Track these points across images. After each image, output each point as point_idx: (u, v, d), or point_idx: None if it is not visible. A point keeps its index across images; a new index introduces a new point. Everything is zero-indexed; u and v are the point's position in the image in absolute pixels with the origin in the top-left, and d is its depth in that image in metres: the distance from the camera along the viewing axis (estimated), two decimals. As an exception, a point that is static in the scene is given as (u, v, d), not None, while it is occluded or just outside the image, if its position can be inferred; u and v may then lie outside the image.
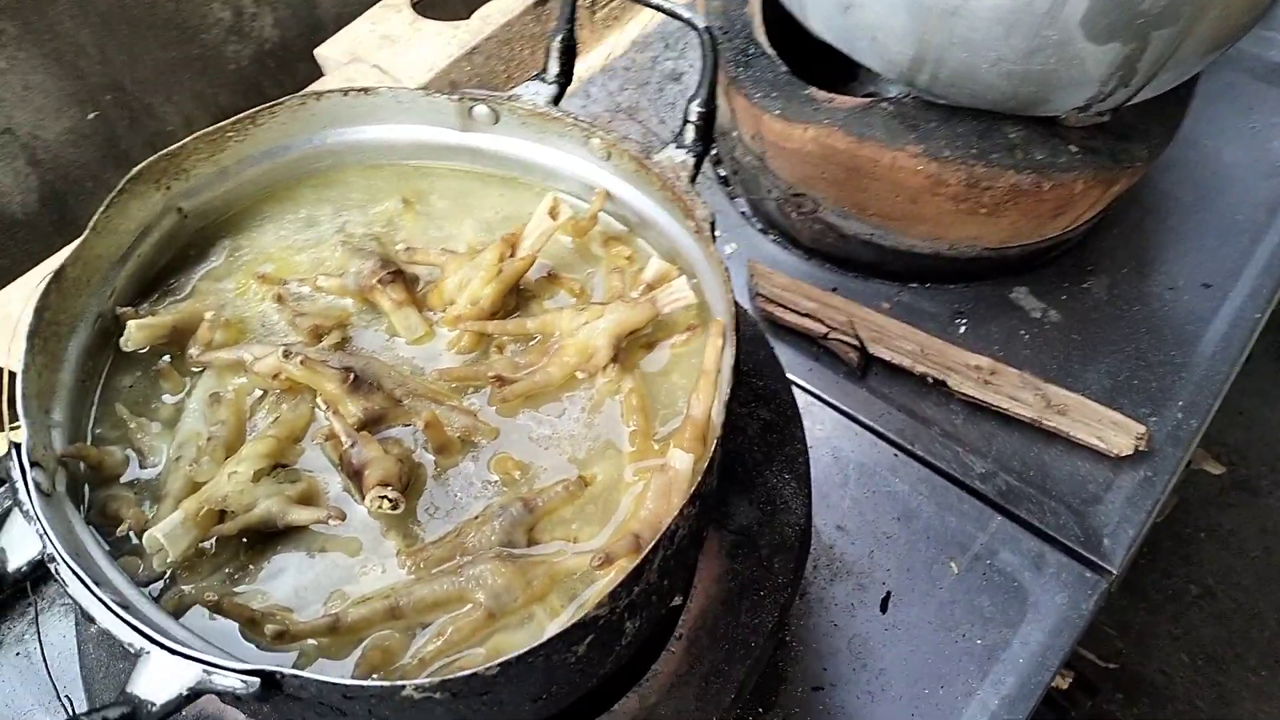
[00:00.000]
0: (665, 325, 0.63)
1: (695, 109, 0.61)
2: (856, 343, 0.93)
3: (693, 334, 0.62)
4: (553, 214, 0.63)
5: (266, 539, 0.55)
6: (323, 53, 1.19)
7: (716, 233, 0.59)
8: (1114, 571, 0.82)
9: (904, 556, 0.83)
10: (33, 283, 0.96)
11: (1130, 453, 0.86)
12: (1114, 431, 0.86)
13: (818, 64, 0.97)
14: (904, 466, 0.88)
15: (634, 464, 0.58)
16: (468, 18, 1.17)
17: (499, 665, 0.44)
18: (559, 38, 0.65)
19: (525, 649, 0.45)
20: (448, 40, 1.12)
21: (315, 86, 1.14)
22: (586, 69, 1.25)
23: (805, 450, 0.69)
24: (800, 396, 0.92)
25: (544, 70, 0.66)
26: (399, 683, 0.43)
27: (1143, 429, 0.86)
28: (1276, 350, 2.12)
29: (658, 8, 0.60)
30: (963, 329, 0.98)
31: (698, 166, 0.62)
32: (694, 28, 0.59)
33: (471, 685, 0.45)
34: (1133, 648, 1.83)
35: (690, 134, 0.62)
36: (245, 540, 0.55)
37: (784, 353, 0.95)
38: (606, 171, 0.65)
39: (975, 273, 1.00)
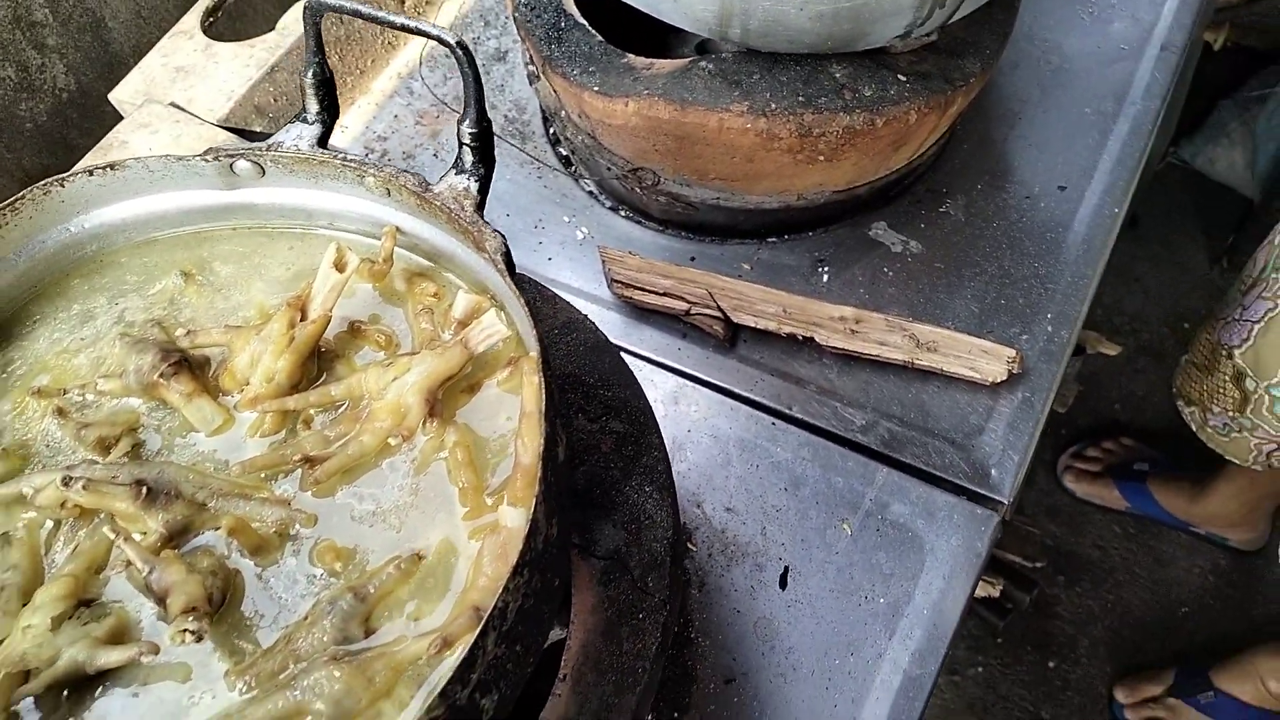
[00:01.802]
0: (486, 362, 0.59)
1: (466, 130, 0.56)
2: (719, 314, 0.89)
3: (515, 367, 0.58)
4: (339, 266, 0.58)
5: (86, 683, 0.50)
6: (117, 96, 1.10)
7: (513, 261, 0.55)
8: (1004, 502, 0.81)
9: (796, 527, 0.81)
10: None
11: (1004, 378, 0.84)
12: (985, 360, 0.85)
13: (644, 25, 0.91)
14: (784, 434, 0.86)
15: (469, 524, 0.54)
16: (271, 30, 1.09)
17: (330, 799, 0.41)
18: (310, 73, 0.59)
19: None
20: (245, 62, 1.05)
21: (113, 134, 1.06)
22: (406, 64, 1.18)
23: (665, 456, 0.66)
24: (671, 380, 0.89)
25: (304, 110, 0.60)
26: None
27: (1012, 352, 0.85)
28: (1163, 214, 2.15)
29: (403, 28, 0.55)
30: (826, 277, 0.95)
31: (483, 191, 0.57)
32: (446, 44, 0.54)
33: (304, 825, 0.41)
34: (1064, 529, 1.86)
35: (469, 156, 0.57)
36: (65, 692, 0.50)
37: (650, 335, 0.92)
38: (392, 208, 0.61)
39: (830, 217, 0.97)
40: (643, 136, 0.87)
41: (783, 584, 0.79)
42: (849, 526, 0.81)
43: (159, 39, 1.14)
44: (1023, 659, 1.78)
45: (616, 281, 0.92)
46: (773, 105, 0.82)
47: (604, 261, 0.94)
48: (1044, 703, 1.74)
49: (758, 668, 0.76)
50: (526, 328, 0.54)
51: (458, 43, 0.54)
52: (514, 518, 0.51)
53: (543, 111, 1.09)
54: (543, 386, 0.50)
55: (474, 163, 0.57)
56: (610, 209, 1.02)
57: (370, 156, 1.09)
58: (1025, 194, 0.99)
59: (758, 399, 0.88)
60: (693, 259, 0.97)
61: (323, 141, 0.60)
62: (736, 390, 0.89)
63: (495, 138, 0.58)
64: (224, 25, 1.17)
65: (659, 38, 1.08)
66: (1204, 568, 1.84)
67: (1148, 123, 1.01)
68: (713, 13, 0.79)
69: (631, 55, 0.89)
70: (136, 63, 1.13)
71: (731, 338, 0.91)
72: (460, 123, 0.56)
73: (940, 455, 0.84)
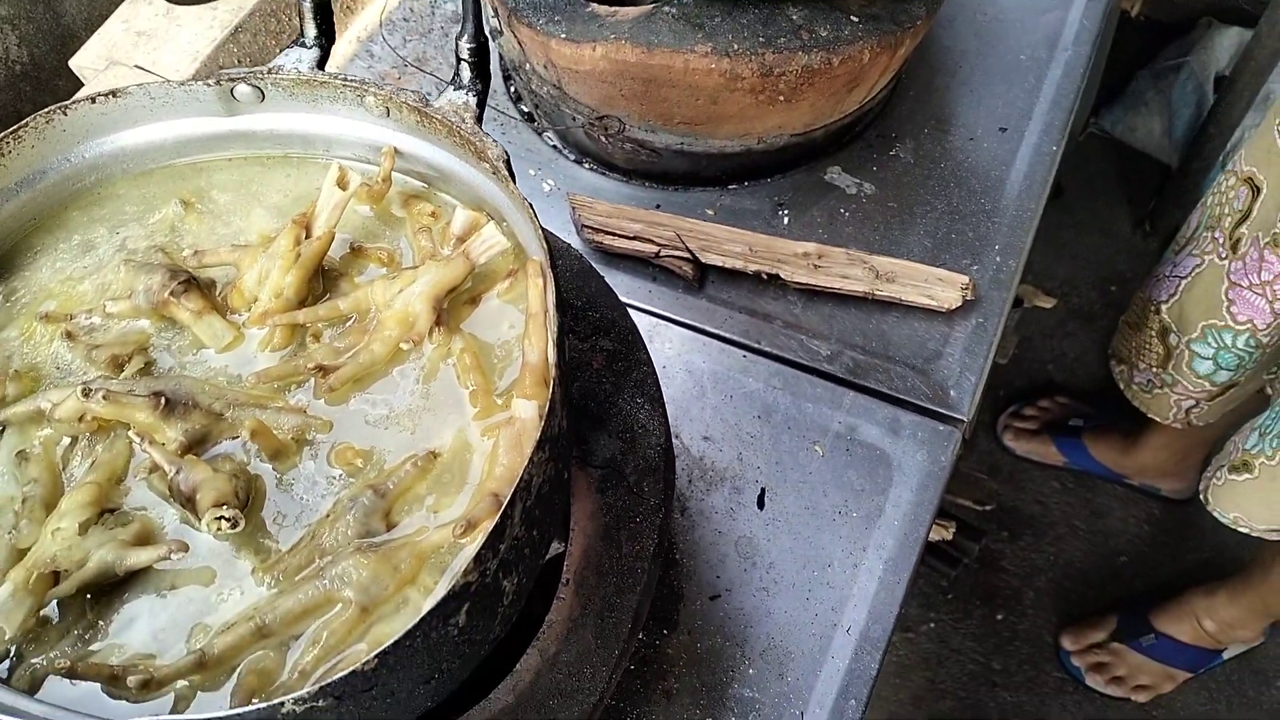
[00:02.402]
0: (485, 276, 0.61)
1: (465, 45, 0.59)
2: (688, 255, 0.93)
3: (514, 279, 0.61)
4: (341, 184, 0.60)
5: (112, 590, 0.52)
6: (77, 62, 1.10)
7: (513, 170, 0.58)
8: (964, 419, 0.86)
9: (770, 451, 0.85)
10: None
11: (959, 304, 0.89)
12: (941, 287, 0.90)
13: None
14: (754, 365, 0.90)
15: (480, 424, 0.56)
16: (226, -4, 1.10)
17: (376, 657, 0.43)
18: (307, -1, 0.61)
19: (400, 634, 0.44)
20: (208, 24, 1.05)
21: (80, 95, 1.05)
22: (365, 28, 1.20)
23: (653, 371, 0.69)
24: (644, 320, 0.92)
25: (301, 35, 0.62)
26: (276, 701, 0.42)
27: (966, 279, 0.90)
28: (1087, 183, 2.24)
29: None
30: (786, 220, 0.99)
31: (481, 105, 0.60)
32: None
33: (352, 684, 0.43)
34: (1005, 486, 1.94)
35: (466, 72, 0.60)
36: (89, 596, 0.52)
37: (621, 280, 0.95)
38: (390, 129, 0.63)
39: (788, 161, 1.02)
40: (609, 81, 0.90)
41: (760, 504, 0.83)
42: (820, 448, 0.85)
43: (112, 11, 1.14)
44: (972, 613, 1.84)
45: (586, 227, 0.95)
46: (735, 46, 0.86)
47: (573, 208, 0.97)
48: (994, 654, 1.81)
49: (741, 584, 0.80)
50: (530, 231, 0.57)
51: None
52: (526, 409, 0.54)
53: (503, 69, 1.11)
54: (550, 282, 0.53)
55: (472, 78, 0.59)
56: (575, 161, 1.05)
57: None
58: (969, 136, 1.04)
59: (728, 335, 0.92)
60: (658, 207, 1.00)
61: (321, 65, 0.61)
62: (707, 328, 0.92)
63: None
64: (179, -5, 1.17)
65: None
66: (1139, 518, 1.93)
67: (1079, 66, 1.08)
68: (677, -41, 0.83)
69: (595, 4, 0.92)
70: (89, 35, 1.13)
71: (700, 279, 0.95)
72: (458, 39, 0.59)
73: (902, 379, 0.88)
